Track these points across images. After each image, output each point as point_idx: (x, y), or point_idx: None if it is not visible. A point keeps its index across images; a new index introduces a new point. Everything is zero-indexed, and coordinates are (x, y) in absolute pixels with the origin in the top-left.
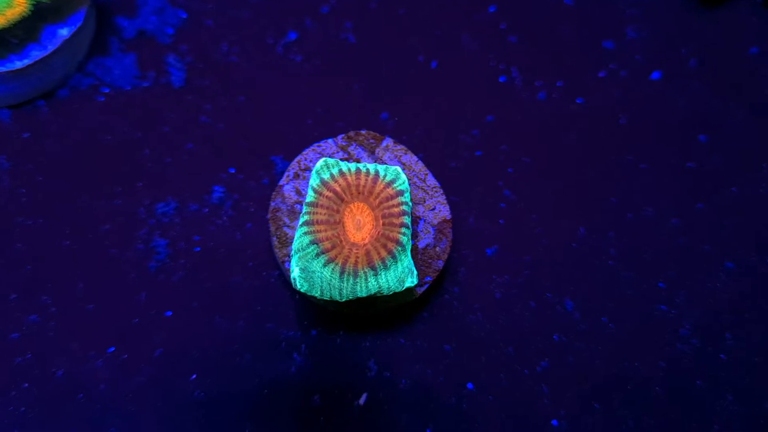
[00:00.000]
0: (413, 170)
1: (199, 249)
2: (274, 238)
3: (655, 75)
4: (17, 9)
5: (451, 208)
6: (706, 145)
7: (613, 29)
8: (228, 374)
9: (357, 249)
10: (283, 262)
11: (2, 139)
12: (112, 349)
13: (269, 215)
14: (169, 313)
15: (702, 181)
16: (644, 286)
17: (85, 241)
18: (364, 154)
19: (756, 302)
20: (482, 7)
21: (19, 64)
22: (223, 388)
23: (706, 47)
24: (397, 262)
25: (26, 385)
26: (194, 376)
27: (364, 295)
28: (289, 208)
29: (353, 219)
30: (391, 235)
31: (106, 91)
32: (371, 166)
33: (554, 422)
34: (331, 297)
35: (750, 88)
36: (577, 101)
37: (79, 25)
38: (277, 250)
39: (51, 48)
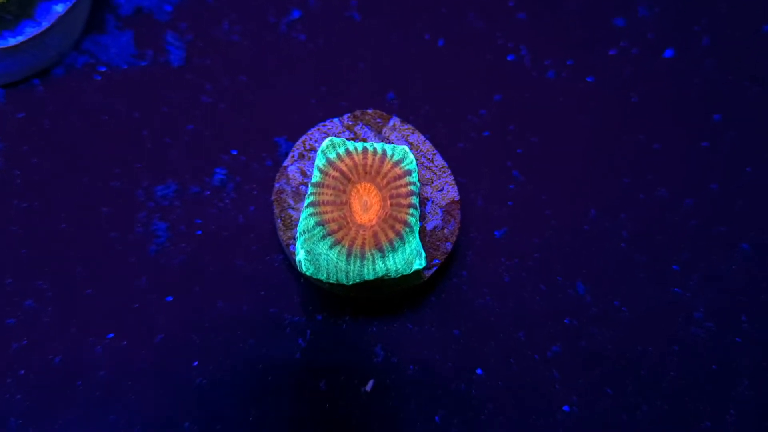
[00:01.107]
0: (420, 150)
1: (200, 232)
2: (279, 221)
3: (668, 53)
4: None
5: (459, 190)
6: (720, 124)
7: (623, 6)
8: (231, 360)
9: (364, 230)
10: (288, 245)
11: None
12: (112, 335)
13: (273, 197)
14: (170, 298)
15: (716, 160)
16: (657, 269)
17: (83, 224)
18: (371, 134)
19: None
20: None
21: (12, 41)
22: (225, 375)
23: (719, 24)
24: (405, 243)
25: (23, 371)
26: (196, 363)
27: (371, 277)
28: (293, 189)
29: (360, 199)
30: (398, 215)
31: (103, 69)
32: (378, 146)
33: (566, 408)
34: (337, 280)
35: (764, 66)
36: (588, 80)
37: (74, 0)
38: (281, 233)
39: (45, 24)
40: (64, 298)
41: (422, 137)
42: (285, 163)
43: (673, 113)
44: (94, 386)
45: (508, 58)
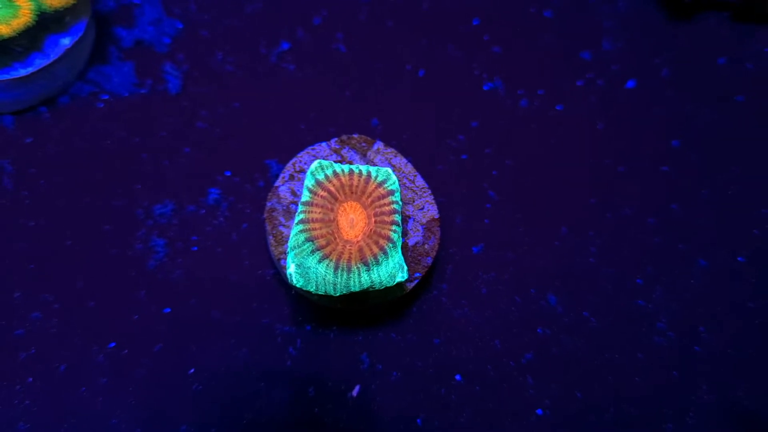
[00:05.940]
0: (403, 172)
1: (196, 248)
2: (270, 237)
3: (630, 83)
4: (22, 19)
5: (438, 208)
6: (679, 149)
7: (590, 40)
8: (225, 368)
9: (350, 246)
10: (279, 259)
11: (5, 144)
12: (113, 344)
13: (265, 215)
14: (168, 310)
15: (675, 183)
16: (623, 282)
17: (86, 241)
18: (356, 157)
19: (727, 297)
20: (466, 19)
21: (22, 72)
22: (220, 381)
23: (678, 57)
24: (388, 258)
25: (31, 379)
26: (192, 370)
27: (357, 289)
28: (284, 208)
29: (347, 217)
30: (382, 232)
31: (106, 97)
32: (363, 168)
33: (539, 411)
34: (325, 291)
35: (719, 96)
36: (557, 108)
37: (80, 34)
38: (272, 248)
39: (53, 56)
40: (69, 309)
41: (404, 160)
42: (276, 184)
43: (636, 139)
44: (97, 392)
45: (484, 88)
